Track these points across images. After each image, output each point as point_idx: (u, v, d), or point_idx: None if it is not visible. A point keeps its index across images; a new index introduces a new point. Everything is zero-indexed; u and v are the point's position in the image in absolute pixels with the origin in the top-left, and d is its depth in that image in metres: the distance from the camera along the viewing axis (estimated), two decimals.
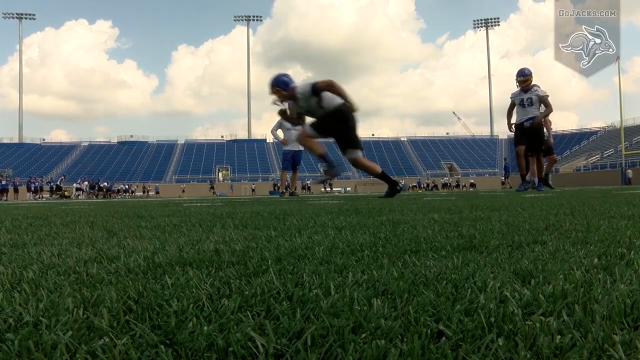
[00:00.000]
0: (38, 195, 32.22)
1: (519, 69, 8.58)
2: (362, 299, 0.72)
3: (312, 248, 1.31)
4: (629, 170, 38.48)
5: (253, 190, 47.64)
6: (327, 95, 5.74)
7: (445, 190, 39.35)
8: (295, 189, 10.80)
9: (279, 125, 10.34)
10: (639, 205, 2.95)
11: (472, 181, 49.60)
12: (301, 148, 10.27)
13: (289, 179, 10.80)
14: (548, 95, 8.37)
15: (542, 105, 8.38)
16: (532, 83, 8.43)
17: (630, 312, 0.64)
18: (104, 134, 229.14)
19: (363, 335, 0.56)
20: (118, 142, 70.91)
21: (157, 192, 46.78)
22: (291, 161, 10.38)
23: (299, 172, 10.87)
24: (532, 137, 8.66)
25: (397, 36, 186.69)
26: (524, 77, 8.39)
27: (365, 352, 0.51)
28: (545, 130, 9.21)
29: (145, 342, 0.56)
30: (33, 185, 32.61)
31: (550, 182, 10.59)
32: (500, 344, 0.52)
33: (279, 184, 10.70)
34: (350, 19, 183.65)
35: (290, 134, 10.23)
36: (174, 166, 62.46)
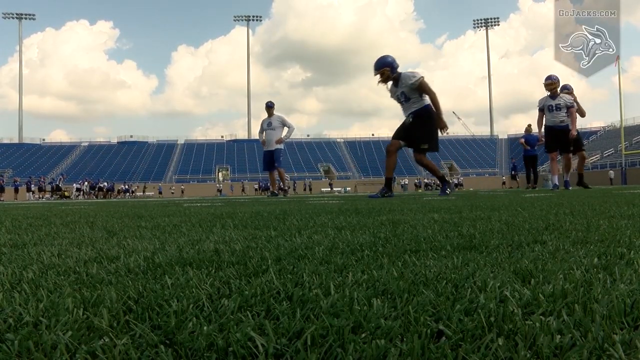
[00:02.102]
0: (39, 195, 32.24)
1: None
2: (362, 298, 0.72)
3: (312, 248, 1.31)
4: (611, 172, 38.51)
5: (256, 189, 47.80)
6: None
7: None
8: (282, 189, 10.74)
9: (261, 128, 10.37)
10: (639, 205, 2.95)
11: (457, 181, 48.18)
12: (277, 147, 10.12)
13: (285, 178, 10.80)
14: (420, 78, 6.26)
15: (422, 93, 6.34)
16: (402, 71, 6.46)
17: (630, 312, 0.64)
18: (104, 134, 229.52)
19: (363, 335, 0.56)
20: (118, 142, 70.92)
21: (160, 193, 46.83)
22: (269, 161, 10.29)
23: (285, 171, 10.86)
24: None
25: (396, 36, 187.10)
26: (378, 70, 6.45)
27: (365, 351, 0.51)
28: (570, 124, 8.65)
29: (145, 342, 0.56)
30: (34, 185, 32.64)
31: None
32: (500, 343, 0.52)
33: (276, 185, 10.60)
34: (349, 19, 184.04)
35: (267, 134, 10.21)
36: (174, 166, 62.46)
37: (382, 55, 6.59)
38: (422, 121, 6.36)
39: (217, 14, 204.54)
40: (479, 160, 63.70)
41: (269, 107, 10.28)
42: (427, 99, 6.40)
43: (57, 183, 35.32)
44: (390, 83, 6.57)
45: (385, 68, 6.41)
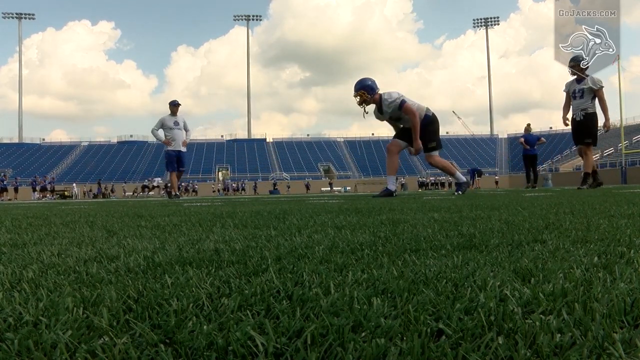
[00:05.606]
0: (40, 195, 32.26)
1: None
2: (362, 297, 0.72)
3: (312, 247, 1.31)
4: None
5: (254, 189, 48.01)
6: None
7: (445, 189, 39.45)
8: (179, 191, 10.46)
9: (161, 125, 9.84)
10: (639, 204, 2.95)
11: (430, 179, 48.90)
12: (183, 149, 9.81)
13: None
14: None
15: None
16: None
17: (630, 311, 0.64)
18: (104, 134, 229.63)
19: (363, 334, 0.56)
20: (118, 142, 70.87)
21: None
22: (176, 162, 9.93)
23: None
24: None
25: (394, 36, 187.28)
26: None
27: (365, 350, 0.51)
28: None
29: (145, 341, 0.56)
30: (38, 185, 32.64)
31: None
32: (500, 342, 0.52)
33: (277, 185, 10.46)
34: (347, 20, 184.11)
35: (173, 133, 9.80)
36: None
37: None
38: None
39: (217, 14, 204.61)
40: (478, 160, 63.69)
41: (176, 105, 9.86)
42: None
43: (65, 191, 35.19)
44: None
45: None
